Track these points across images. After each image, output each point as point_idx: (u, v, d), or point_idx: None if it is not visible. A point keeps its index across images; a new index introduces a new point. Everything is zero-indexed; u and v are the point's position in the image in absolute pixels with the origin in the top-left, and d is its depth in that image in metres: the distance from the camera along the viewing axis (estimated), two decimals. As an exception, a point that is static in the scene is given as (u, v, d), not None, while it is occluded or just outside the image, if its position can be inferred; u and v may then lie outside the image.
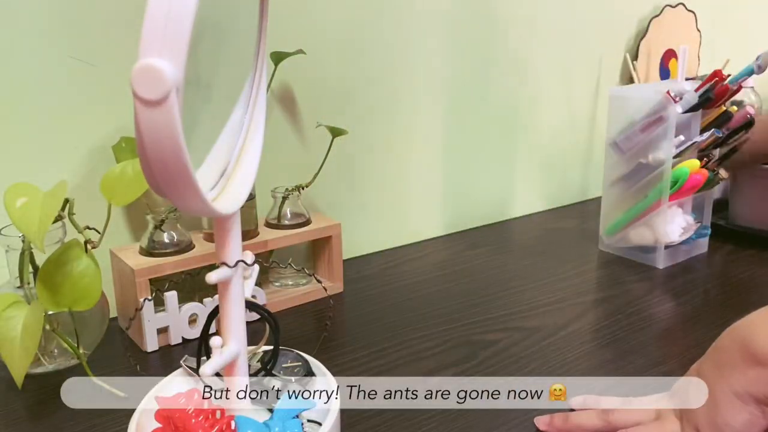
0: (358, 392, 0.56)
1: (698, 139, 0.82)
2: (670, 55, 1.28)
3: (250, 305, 0.47)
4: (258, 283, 0.71)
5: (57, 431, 0.52)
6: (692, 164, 0.82)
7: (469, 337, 0.67)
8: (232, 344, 0.43)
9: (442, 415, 0.53)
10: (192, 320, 0.67)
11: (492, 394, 0.56)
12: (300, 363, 0.52)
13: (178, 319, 0.66)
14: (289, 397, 0.44)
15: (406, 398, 0.56)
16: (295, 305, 0.75)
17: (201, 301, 0.67)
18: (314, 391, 0.51)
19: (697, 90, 0.81)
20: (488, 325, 0.70)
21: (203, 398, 0.43)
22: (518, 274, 0.85)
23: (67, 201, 0.59)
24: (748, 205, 0.97)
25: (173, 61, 0.28)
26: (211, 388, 0.48)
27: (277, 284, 0.78)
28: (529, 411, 0.53)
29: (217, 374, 0.47)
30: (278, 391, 0.49)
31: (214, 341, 0.41)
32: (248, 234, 0.72)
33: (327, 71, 0.84)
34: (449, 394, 0.56)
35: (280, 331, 0.48)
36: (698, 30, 1.34)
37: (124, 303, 0.68)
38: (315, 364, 0.53)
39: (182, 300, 0.67)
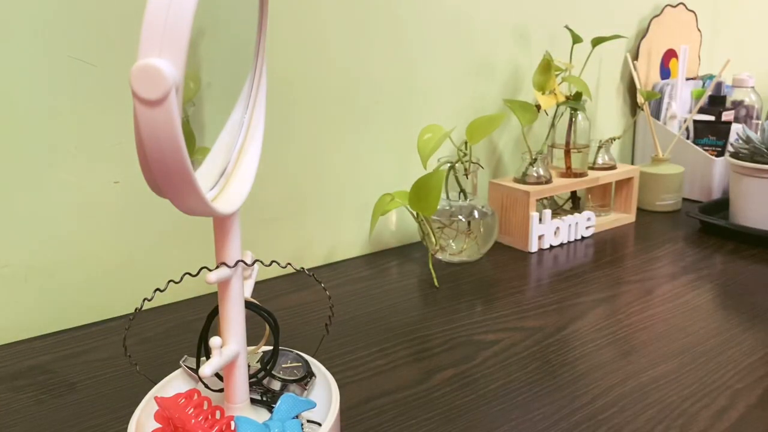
0: (358, 392, 0.56)
1: None
2: (670, 54, 1.28)
3: (250, 305, 0.47)
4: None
5: (60, 431, 0.52)
6: None
7: (469, 337, 0.67)
8: (231, 344, 0.43)
9: (442, 415, 0.53)
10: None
11: (492, 395, 0.56)
12: (300, 363, 0.52)
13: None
14: (289, 397, 0.44)
15: (406, 398, 0.56)
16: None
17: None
18: (314, 391, 0.51)
19: None
20: (488, 325, 0.70)
21: (203, 398, 0.43)
22: (519, 273, 0.85)
23: (466, 143, 0.84)
24: (748, 205, 0.97)
25: (173, 61, 0.28)
26: (211, 389, 0.48)
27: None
28: (529, 411, 0.53)
29: (217, 374, 0.47)
30: (278, 391, 0.49)
31: (214, 341, 0.41)
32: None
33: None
34: (449, 394, 0.56)
35: (280, 331, 0.48)
36: (699, 30, 1.34)
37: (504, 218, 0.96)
38: (315, 364, 0.53)
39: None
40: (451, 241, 0.88)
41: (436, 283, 0.81)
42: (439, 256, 0.88)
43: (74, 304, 0.71)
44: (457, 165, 0.86)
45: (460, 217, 0.87)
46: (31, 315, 0.69)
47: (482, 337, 0.67)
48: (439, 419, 0.53)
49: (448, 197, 0.88)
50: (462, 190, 0.88)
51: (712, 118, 1.20)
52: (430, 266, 0.83)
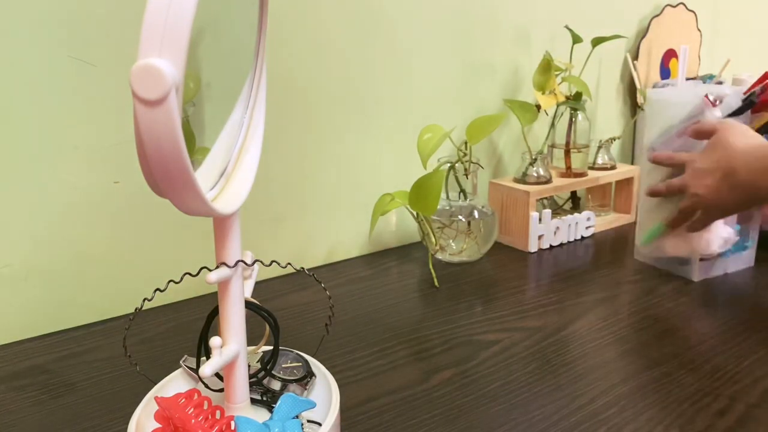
0: (358, 392, 0.56)
1: None
2: (670, 54, 1.28)
3: (250, 305, 0.47)
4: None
5: (60, 431, 0.52)
6: None
7: (469, 337, 0.67)
8: (231, 344, 0.43)
9: (442, 415, 0.53)
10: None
11: (492, 395, 0.56)
12: (300, 363, 0.52)
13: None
14: (289, 397, 0.44)
15: (406, 398, 0.56)
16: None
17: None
18: (314, 391, 0.51)
19: (745, 93, 0.77)
20: (488, 325, 0.70)
21: (203, 398, 0.43)
22: (519, 273, 0.85)
23: (466, 143, 0.84)
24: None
25: (173, 61, 0.28)
26: (211, 389, 0.48)
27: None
28: (529, 411, 0.53)
29: (217, 374, 0.47)
30: (278, 391, 0.49)
31: (214, 341, 0.41)
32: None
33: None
34: (449, 394, 0.56)
35: (280, 331, 0.48)
36: (699, 30, 1.33)
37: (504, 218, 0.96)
38: (315, 364, 0.53)
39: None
40: (451, 241, 0.88)
41: (436, 283, 0.81)
42: (439, 256, 0.88)
43: (74, 304, 0.71)
44: (457, 165, 0.86)
45: (460, 217, 0.87)
46: (31, 315, 0.69)
47: (482, 337, 0.67)
48: (439, 419, 0.53)
49: (448, 197, 0.88)
50: (462, 190, 0.88)
51: (712, 118, 1.20)
52: (430, 266, 0.83)
